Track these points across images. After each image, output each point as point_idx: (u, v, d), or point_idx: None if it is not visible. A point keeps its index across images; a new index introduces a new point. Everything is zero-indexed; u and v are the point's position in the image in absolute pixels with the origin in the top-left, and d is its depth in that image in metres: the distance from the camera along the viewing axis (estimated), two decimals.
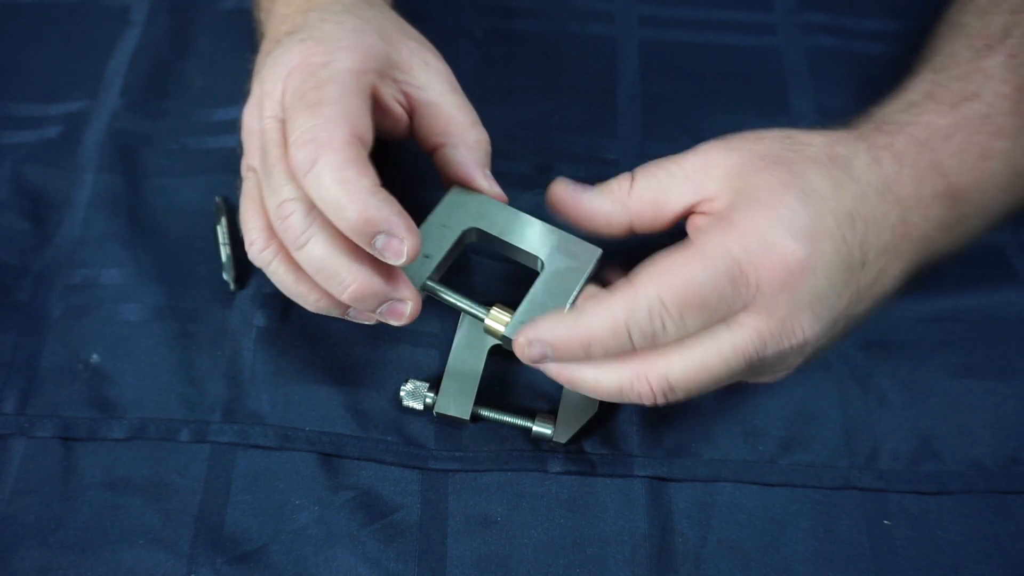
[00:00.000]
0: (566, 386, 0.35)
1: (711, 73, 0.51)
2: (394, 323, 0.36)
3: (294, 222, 0.33)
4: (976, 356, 0.41)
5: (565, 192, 0.37)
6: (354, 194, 0.32)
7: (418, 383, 0.40)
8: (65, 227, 0.44)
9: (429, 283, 0.38)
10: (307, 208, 0.33)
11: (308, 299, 0.36)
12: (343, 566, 0.36)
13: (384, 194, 0.32)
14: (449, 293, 0.38)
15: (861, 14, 0.54)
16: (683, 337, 0.32)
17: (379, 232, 0.32)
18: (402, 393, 0.40)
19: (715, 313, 0.31)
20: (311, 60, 0.35)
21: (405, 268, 0.36)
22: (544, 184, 0.46)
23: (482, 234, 0.39)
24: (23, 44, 0.51)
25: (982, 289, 0.43)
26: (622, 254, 0.37)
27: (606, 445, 0.39)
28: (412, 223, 0.33)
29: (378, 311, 0.35)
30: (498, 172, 0.47)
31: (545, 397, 0.41)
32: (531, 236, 0.38)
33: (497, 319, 0.36)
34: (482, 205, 0.39)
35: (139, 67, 0.50)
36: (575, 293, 0.36)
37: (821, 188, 0.33)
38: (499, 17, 0.53)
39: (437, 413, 0.39)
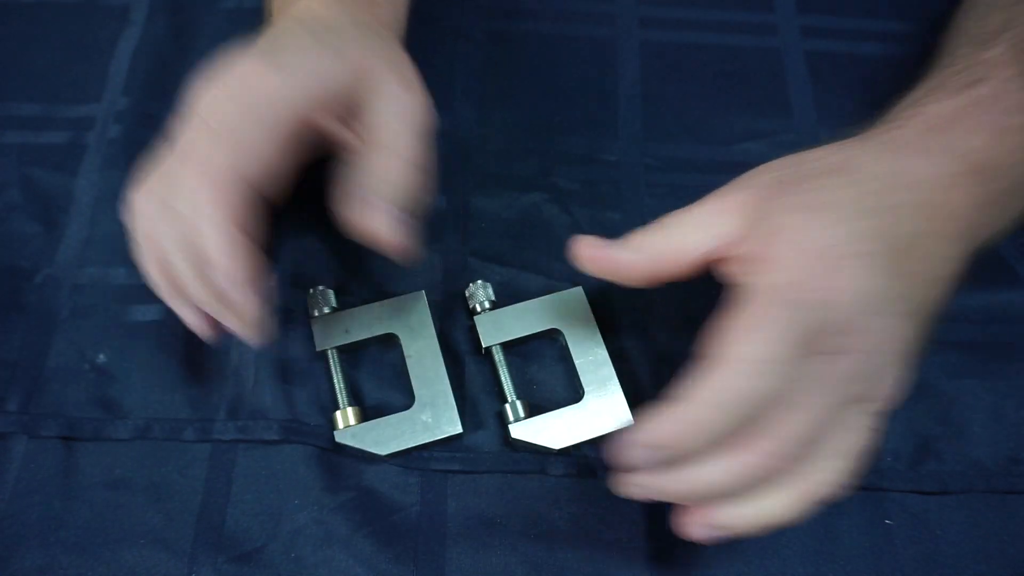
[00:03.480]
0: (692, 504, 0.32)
1: (711, 74, 0.51)
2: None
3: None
4: (976, 356, 0.41)
5: (589, 248, 0.36)
6: (229, 253, 0.33)
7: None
8: (73, 227, 0.45)
9: (331, 351, 0.40)
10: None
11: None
12: (341, 566, 0.36)
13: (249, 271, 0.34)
14: (337, 371, 0.40)
15: (861, 15, 0.54)
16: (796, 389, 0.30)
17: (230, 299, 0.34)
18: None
19: (814, 345, 0.30)
20: (246, 81, 0.35)
21: (323, 327, 0.41)
22: (545, 186, 0.47)
23: (398, 344, 0.41)
24: (24, 44, 0.51)
25: (982, 290, 0.43)
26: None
27: (607, 449, 0.39)
28: (256, 307, 0.35)
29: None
30: (499, 174, 0.47)
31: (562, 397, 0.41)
32: (427, 379, 0.40)
33: (343, 418, 0.39)
34: (417, 323, 0.41)
35: (139, 66, 0.50)
36: (409, 446, 0.38)
37: (825, 197, 0.32)
38: (499, 18, 0.53)
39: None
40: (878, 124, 0.37)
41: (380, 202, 0.36)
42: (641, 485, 0.32)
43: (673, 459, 0.30)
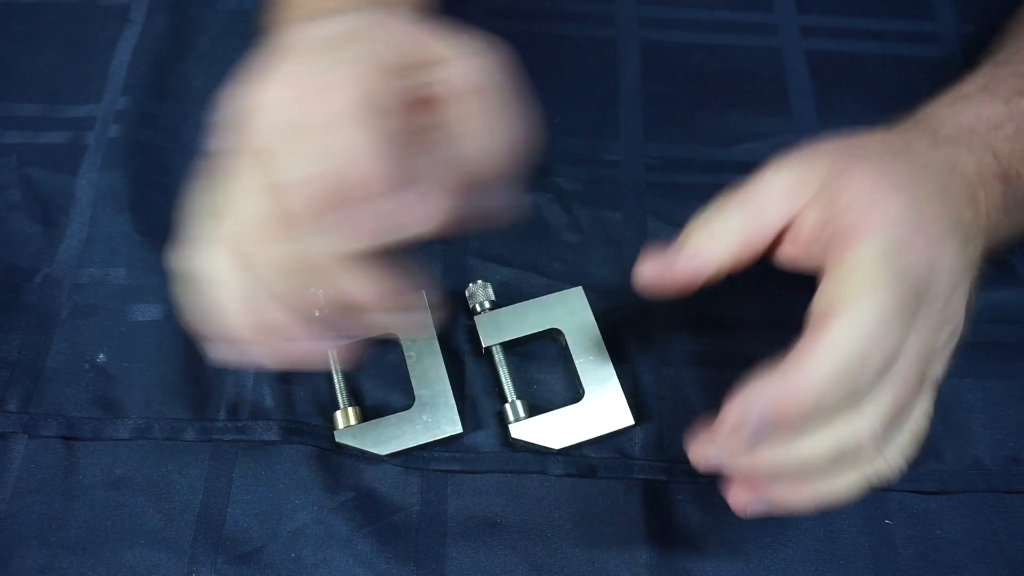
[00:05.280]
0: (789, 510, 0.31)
1: (712, 74, 0.51)
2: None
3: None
4: (976, 356, 0.41)
5: (654, 265, 0.33)
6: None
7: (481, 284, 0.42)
8: (73, 227, 0.45)
9: (331, 352, 0.40)
10: None
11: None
12: (341, 567, 0.36)
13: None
14: (337, 372, 0.40)
15: (861, 15, 0.54)
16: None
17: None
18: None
19: (913, 305, 0.29)
20: (310, 86, 0.30)
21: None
22: (544, 186, 0.46)
23: (398, 344, 0.41)
24: (25, 44, 0.51)
25: (982, 289, 0.43)
26: None
27: (607, 448, 0.39)
28: None
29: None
30: None
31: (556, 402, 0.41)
32: (427, 379, 0.40)
33: (344, 417, 0.39)
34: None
35: (139, 66, 0.50)
36: (409, 446, 0.38)
37: (906, 178, 0.32)
38: (500, 19, 0.53)
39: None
40: (923, 115, 0.38)
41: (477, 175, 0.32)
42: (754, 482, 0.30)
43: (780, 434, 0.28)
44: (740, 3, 0.54)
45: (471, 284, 0.42)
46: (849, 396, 0.28)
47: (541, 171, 0.47)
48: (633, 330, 0.42)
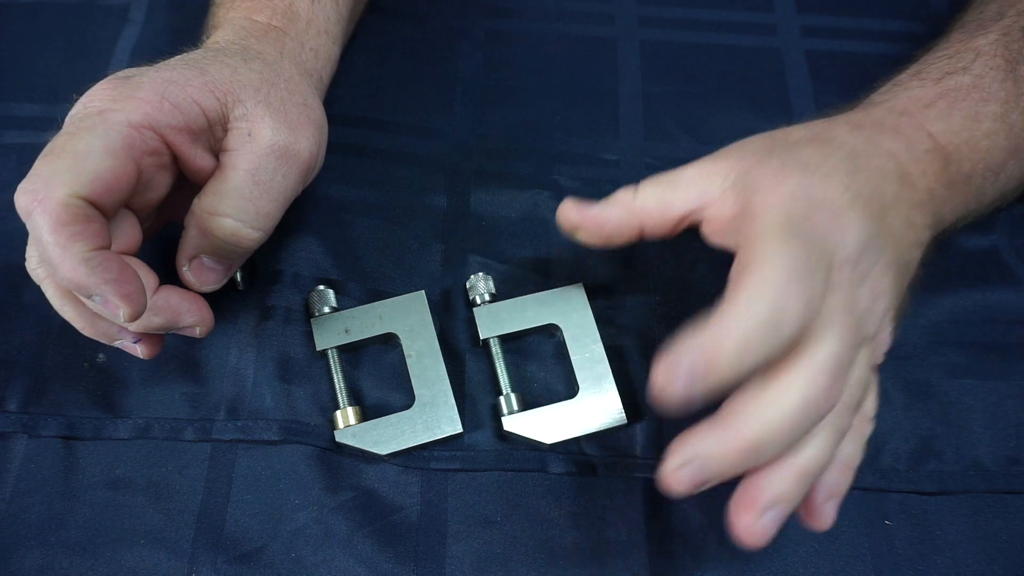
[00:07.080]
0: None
1: (711, 74, 0.51)
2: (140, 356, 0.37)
3: (31, 254, 0.35)
4: (976, 356, 0.41)
5: (573, 210, 0.37)
6: (63, 259, 0.30)
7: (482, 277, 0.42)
8: None
9: (331, 351, 0.40)
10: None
11: (75, 324, 0.36)
12: (341, 566, 0.36)
13: (100, 259, 0.31)
14: (337, 371, 0.40)
15: (860, 14, 0.54)
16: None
17: (93, 294, 0.31)
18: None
19: (820, 262, 0.30)
20: (93, 102, 0.33)
21: (323, 327, 0.40)
22: (545, 184, 0.47)
23: (398, 344, 0.41)
24: (24, 44, 0.51)
25: (981, 290, 0.43)
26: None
27: (607, 447, 0.39)
28: (132, 288, 0.31)
29: (115, 343, 0.36)
30: (499, 172, 0.47)
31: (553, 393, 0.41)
32: (427, 379, 0.40)
33: (343, 417, 0.39)
34: (418, 323, 0.41)
35: (139, 65, 0.50)
36: (409, 446, 0.38)
37: (813, 159, 0.34)
38: (500, 18, 0.53)
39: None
40: (857, 104, 0.39)
41: (193, 249, 0.36)
42: (690, 461, 0.29)
43: (715, 393, 0.28)
44: (740, 3, 0.54)
45: (472, 275, 0.42)
46: (772, 347, 0.28)
47: (541, 170, 0.47)
48: (631, 328, 0.42)
